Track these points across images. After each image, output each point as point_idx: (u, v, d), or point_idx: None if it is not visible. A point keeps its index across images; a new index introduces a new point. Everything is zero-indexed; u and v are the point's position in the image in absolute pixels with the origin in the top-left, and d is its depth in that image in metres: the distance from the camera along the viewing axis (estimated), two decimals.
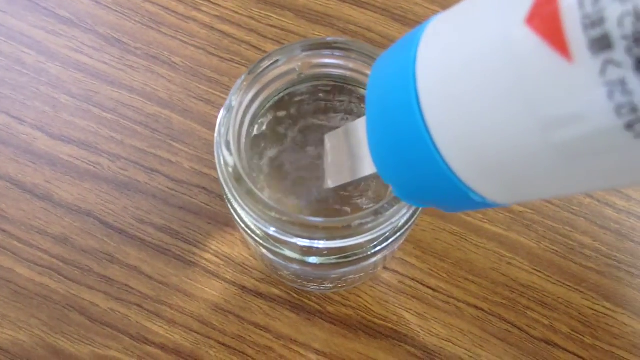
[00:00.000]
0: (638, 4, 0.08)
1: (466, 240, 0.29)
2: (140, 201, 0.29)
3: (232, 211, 0.20)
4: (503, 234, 0.29)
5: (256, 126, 0.22)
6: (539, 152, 0.11)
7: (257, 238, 0.21)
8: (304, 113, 0.23)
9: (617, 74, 0.09)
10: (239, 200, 0.19)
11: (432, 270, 0.28)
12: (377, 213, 0.18)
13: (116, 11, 0.33)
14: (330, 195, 0.22)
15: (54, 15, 0.33)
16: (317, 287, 0.27)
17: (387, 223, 0.19)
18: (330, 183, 0.20)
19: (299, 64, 0.21)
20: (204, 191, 0.29)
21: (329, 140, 0.20)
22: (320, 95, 0.23)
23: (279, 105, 0.22)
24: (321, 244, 0.19)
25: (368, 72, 0.20)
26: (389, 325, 0.28)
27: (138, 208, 0.29)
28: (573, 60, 0.09)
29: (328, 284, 0.26)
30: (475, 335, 0.27)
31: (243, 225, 0.21)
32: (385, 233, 0.20)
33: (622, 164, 0.10)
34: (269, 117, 0.22)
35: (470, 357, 0.27)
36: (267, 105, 0.22)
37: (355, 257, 0.21)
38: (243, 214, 0.20)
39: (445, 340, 0.27)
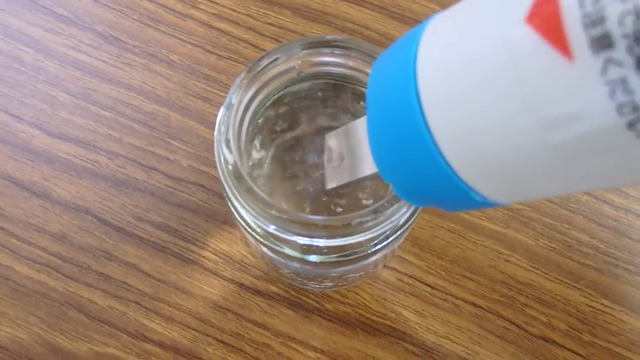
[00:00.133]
0: (638, 2, 0.08)
1: (464, 237, 0.29)
2: (139, 199, 0.29)
3: (232, 209, 0.20)
4: (501, 231, 0.29)
5: (256, 124, 0.22)
6: (539, 151, 0.11)
7: (257, 236, 0.21)
8: (304, 112, 0.23)
9: (618, 73, 0.09)
10: (239, 198, 0.19)
11: (430, 268, 0.28)
12: (376, 211, 0.18)
13: (114, 9, 0.33)
14: (330, 195, 0.22)
15: (52, 13, 0.33)
16: (318, 286, 0.27)
17: (387, 222, 0.19)
18: (330, 183, 0.20)
19: (299, 62, 0.21)
20: (202, 189, 0.29)
21: (329, 139, 0.20)
22: (320, 93, 0.23)
23: (278, 103, 0.22)
24: (321, 242, 0.19)
25: (368, 71, 0.20)
26: (387, 322, 0.28)
27: (136, 206, 0.29)
28: (574, 60, 0.09)
29: (328, 282, 0.26)
30: (473, 333, 0.27)
31: (243, 223, 0.21)
32: (385, 232, 0.20)
33: (622, 163, 0.10)
34: (269, 115, 0.22)
35: (468, 354, 0.27)
36: (267, 104, 0.22)
37: (355, 256, 0.21)
38: (243, 212, 0.20)
39: (443, 338, 0.27)
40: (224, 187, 0.20)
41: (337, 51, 0.21)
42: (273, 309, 0.28)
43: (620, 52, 0.08)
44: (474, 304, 0.28)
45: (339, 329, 0.28)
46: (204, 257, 0.29)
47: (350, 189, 0.22)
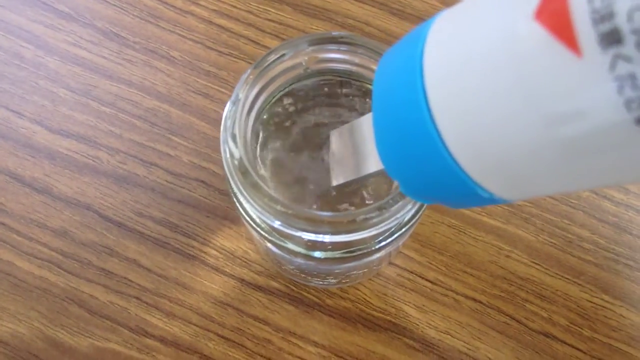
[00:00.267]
0: None
1: (464, 233, 0.29)
2: (139, 194, 0.29)
3: (237, 204, 0.20)
4: (501, 226, 0.29)
5: (262, 120, 0.22)
6: (545, 147, 0.11)
7: (261, 231, 0.21)
8: (310, 108, 0.23)
9: (627, 69, 0.09)
10: (245, 193, 0.19)
11: (430, 263, 0.28)
12: (381, 208, 0.18)
13: (114, 5, 0.33)
14: (335, 191, 0.22)
15: (53, 9, 0.33)
16: (321, 282, 0.27)
17: (392, 218, 0.19)
18: (335, 180, 0.20)
19: (306, 58, 0.21)
20: (202, 184, 0.30)
21: (334, 137, 0.20)
22: (326, 90, 0.23)
23: (284, 99, 0.22)
24: (326, 238, 0.19)
25: (374, 67, 0.20)
26: (388, 317, 0.28)
27: (137, 201, 0.29)
28: (582, 55, 0.09)
29: (332, 279, 0.26)
30: (473, 328, 0.28)
31: (248, 219, 0.20)
32: (390, 228, 0.20)
33: (630, 159, 0.10)
34: (275, 111, 0.22)
35: (469, 349, 0.27)
36: (273, 100, 0.22)
37: (359, 252, 0.21)
38: (248, 207, 0.20)
39: (444, 333, 0.27)
40: (229, 182, 0.19)
41: (343, 47, 0.21)
42: (274, 304, 0.28)
43: (629, 47, 0.08)
44: (475, 300, 0.28)
45: (339, 324, 0.28)
46: (204, 252, 0.29)
47: (356, 186, 0.22)
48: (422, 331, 0.28)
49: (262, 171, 0.22)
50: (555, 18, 0.09)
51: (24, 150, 0.30)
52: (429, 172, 0.14)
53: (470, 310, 0.28)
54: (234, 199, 0.20)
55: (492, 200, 0.13)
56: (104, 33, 0.32)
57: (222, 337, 0.27)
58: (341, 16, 0.33)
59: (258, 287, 0.28)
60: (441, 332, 0.27)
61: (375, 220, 0.18)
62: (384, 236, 0.20)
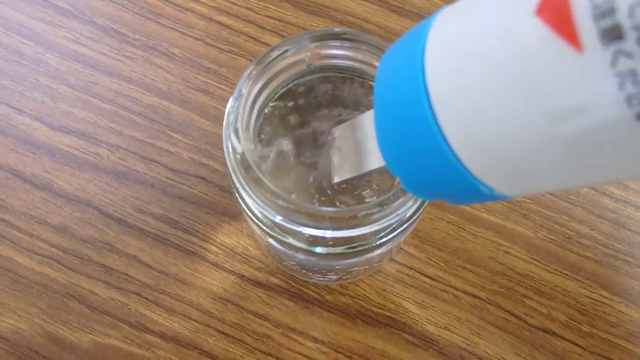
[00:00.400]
0: None
1: (464, 229, 0.29)
2: (139, 191, 0.29)
3: (239, 199, 0.20)
4: (500, 223, 0.29)
5: (264, 116, 0.22)
6: (547, 143, 0.11)
7: (263, 227, 0.21)
8: (312, 104, 0.23)
9: (628, 65, 0.09)
10: (247, 188, 0.19)
11: (430, 259, 0.29)
12: (383, 204, 0.18)
13: (114, 2, 0.33)
14: (337, 188, 0.22)
15: (53, 6, 0.33)
16: (322, 279, 0.27)
17: (394, 214, 0.19)
18: (336, 177, 0.20)
19: (308, 54, 0.21)
20: (202, 181, 0.30)
21: (336, 133, 0.20)
22: (329, 86, 0.23)
23: (287, 95, 0.22)
24: (327, 234, 0.19)
25: (376, 64, 0.20)
26: (387, 313, 0.28)
27: (137, 198, 0.29)
28: (583, 51, 0.09)
29: (332, 275, 0.26)
30: (473, 324, 0.28)
31: (250, 214, 0.21)
32: (391, 224, 0.20)
33: (631, 155, 0.10)
34: (277, 107, 0.22)
35: (468, 345, 0.27)
36: (275, 96, 0.22)
37: (361, 248, 0.21)
38: (250, 201, 0.20)
39: (443, 329, 0.28)
40: (231, 177, 0.20)
41: (346, 44, 0.21)
42: (273, 300, 0.28)
43: (630, 43, 0.08)
44: (474, 295, 0.28)
45: (339, 320, 0.28)
46: (204, 248, 0.29)
47: (357, 183, 0.22)
48: (421, 327, 0.28)
49: (264, 166, 0.22)
50: (557, 14, 0.09)
51: (24, 146, 0.30)
52: (430, 169, 0.14)
53: (470, 306, 0.28)
54: (236, 194, 0.20)
55: (493, 196, 0.13)
56: (104, 30, 0.32)
57: (222, 332, 0.27)
58: (341, 13, 0.33)
59: (258, 283, 0.28)
60: (440, 327, 0.28)
61: (376, 216, 0.18)
62: (385, 232, 0.20)
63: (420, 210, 0.20)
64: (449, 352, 0.27)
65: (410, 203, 0.19)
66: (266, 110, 0.22)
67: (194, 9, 0.33)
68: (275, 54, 0.20)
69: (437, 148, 0.13)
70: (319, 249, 0.21)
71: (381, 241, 0.20)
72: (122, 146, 0.30)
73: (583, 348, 0.27)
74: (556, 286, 0.28)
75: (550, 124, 0.10)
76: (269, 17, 0.33)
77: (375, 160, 0.18)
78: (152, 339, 0.27)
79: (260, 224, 0.21)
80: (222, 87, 0.31)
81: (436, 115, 0.12)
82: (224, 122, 0.20)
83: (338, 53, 0.21)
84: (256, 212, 0.20)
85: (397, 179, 0.16)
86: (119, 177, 0.30)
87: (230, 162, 0.19)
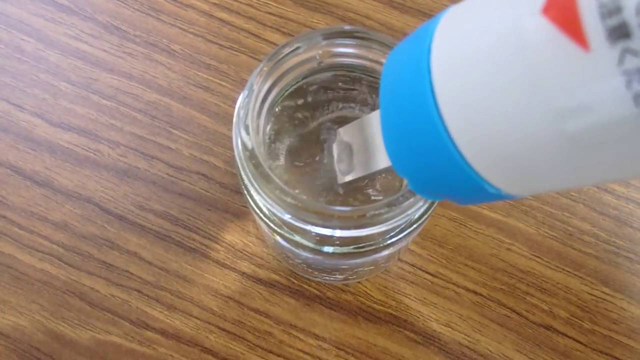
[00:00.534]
0: None
1: (465, 226, 0.29)
2: (140, 188, 0.29)
3: (247, 196, 0.20)
4: (502, 219, 0.29)
5: (274, 113, 0.22)
6: (553, 142, 0.11)
7: (271, 224, 0.20)
8: (322, 102, 0.22)
9: (635, 63, 0.09)
10: (255, 185, 0.19)
11: (431, 256, 0.28)
12: (392, 204, 0.18)
13: None
14: (344, 187, 0.22)
15: (53, 2, 0.33)
16: (328, 278, 0.27)
17: (402, 215, 0.19)
18: (344, 176, 0.20)
19: (320, 52, 0.21)
20: (203, 178, 0.30)
21: (344, 132, 0.20)
22: (339, 84, 0.22)
23: (297, 93, 0.22)
24: (335, 233, 0.19)
25: None
26: (388, 310, 0.28)
27: (138, 195, 0.29)
28: (590, 50, 0.09)
29: (338, 275, 0.26)
30: (474, 321, 0.28)
31: (257, 211, 0.20)
32: (400, 225, 0.19)
33: (638, 153, 0.10)
34: (287, 104, 0.22)
35: (470, 342, 0.27)
36: (285, 93, 0.22)
37: (368, 248, 0.20)
38: (258, 198, 0.20)
39: (445, 326, 0.27)
40: (240, 173, 0.19)
41: (357, 42, 0.20)
42: (275, 297, 0.28)
43: (637, 42, 0.08)
44: (475, 292, 0.28)
45: (340, 317, 0.28)
46: (205, 245, 0.29)
47: (364, 183, 0.22)
48: (423, 324, 0.28)
49: (273, 164, 0.22)
50: (563, 13, 0.09)
51: (25, 143, 0.30)
52: (436, 168, 0.14)
53: (471, 303, 0.28)
54: (244, 190, 0.20)
55: (500, 196, 0.13)
56: (105, 26, 0.32)
57: (223, 329, 0.27)
58: (342, 9, 0.33)
59: (259, 280, 0.28)
60: (442, 324, 0.28)
61: (385, 216, 0.18)
62: (393, 233, 0.20)
63: (429, 212, 0.20)
64: (451, 349, 0.27)
65: (420, 204, 0.19)
66: (276, 108, 0.22)
67: (194, 5, 0.33)
68: (286, 50, 0.20)
69: (442, 147, 0.13)
70: (326, 248, 0.21)
71: (389, 242, 0.20)
72: (122, 143, 0.30)
73: (585, 345, 0.27)
74: (558, 283, 0.28)
75: (557, 123, 0.10)
76: (270, 13, 0.33)
77: (383, 159, 0.18)
78: (153, 336, 0.27)
79: (268, 221, 0.20)
80: (223, 83, 0.31)
81: (442, 114, 0.12)
82: (234, 119, 0.20)
83: (349, 51, 0.21)
84: (264, 209, 0.20)
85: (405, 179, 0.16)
86: (120, 174, 0.30)
87: (240, 158, 0.19)
